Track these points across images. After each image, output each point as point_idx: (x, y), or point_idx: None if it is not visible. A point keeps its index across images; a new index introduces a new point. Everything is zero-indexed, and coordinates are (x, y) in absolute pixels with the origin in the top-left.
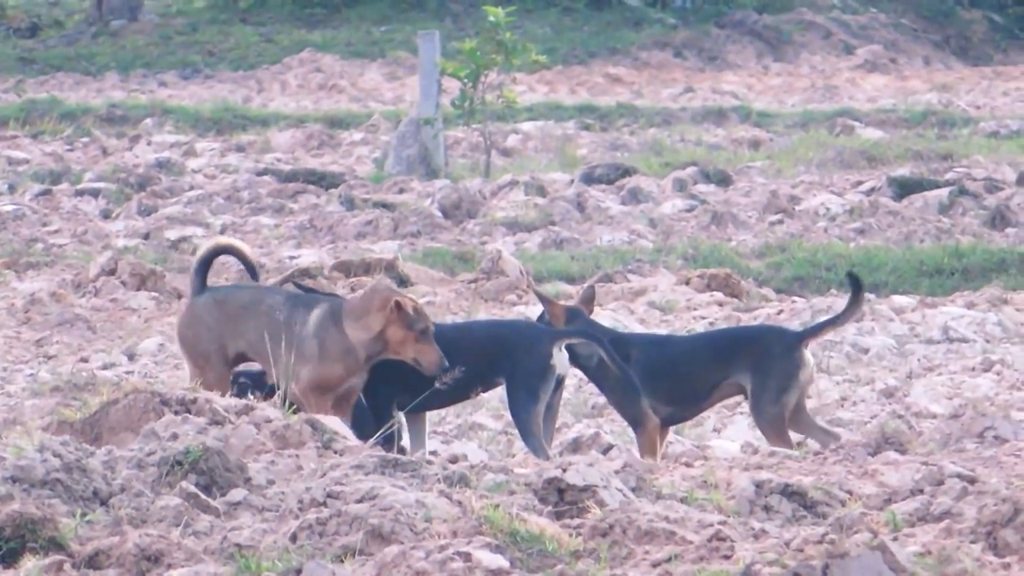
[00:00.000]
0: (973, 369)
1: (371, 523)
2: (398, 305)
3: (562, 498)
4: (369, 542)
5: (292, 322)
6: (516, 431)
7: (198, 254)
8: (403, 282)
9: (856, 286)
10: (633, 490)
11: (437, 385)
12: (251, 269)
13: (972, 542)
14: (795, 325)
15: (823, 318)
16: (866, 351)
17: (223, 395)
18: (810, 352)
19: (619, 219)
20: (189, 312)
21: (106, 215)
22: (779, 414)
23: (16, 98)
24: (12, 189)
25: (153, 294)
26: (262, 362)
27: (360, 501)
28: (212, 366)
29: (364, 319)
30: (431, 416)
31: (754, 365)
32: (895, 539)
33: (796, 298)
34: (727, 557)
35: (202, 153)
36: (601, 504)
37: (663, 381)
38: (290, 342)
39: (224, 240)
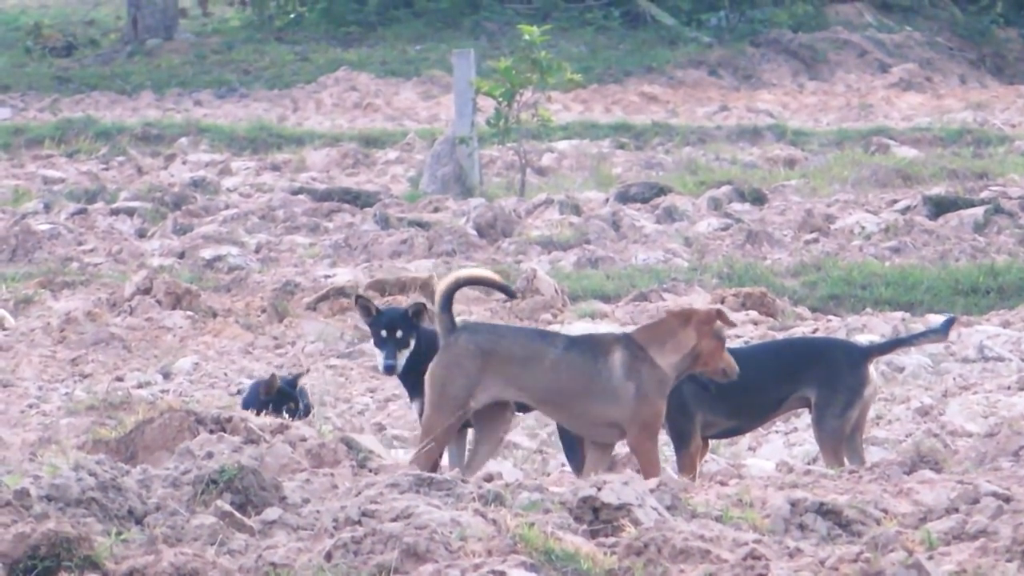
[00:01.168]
0: (1008, 388)
1: (406, 542)
2: (719, 314)
3: (597, 517)
4: (404, 561)
5: (593, 372)
6: (552, 449)
7: (441, 289)
8: None
9: (948, 322)
10: (668, 508)
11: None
12: (506, 290)
13: (1008, 561)
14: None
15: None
16: (901, 369)
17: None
18: (875, 369)
19: (654, 238)
20: (448, 353)
21: (141, 234)
22: (840, 429)
23: (52, 117)
24: (48, 208)
25: (188, 313)
26: (548, 412)
27: (395, 520)
28: (451, 412)
29: (673, 341)
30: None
31: (822, 378)
32: (930, 558)
33: (831, 317)
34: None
35: (237, 172)
36: (636, 523)
37: (729, 394)
38: (594, 392)
39: (465, 273)
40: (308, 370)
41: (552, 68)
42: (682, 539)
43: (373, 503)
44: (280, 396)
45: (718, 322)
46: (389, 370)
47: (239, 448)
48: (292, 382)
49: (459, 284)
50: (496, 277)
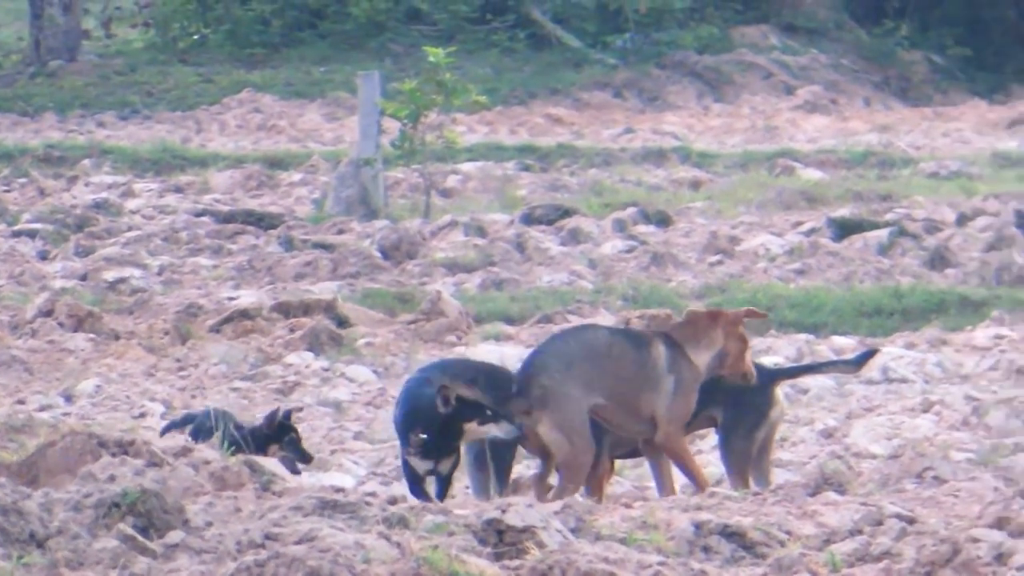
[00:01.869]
0: (912, 409)
1: (310, 565)
2: (749, 313)
3: (502, 539)
4: None
5: (640, 361)
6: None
7: None
8: (342, 323)
9: (865, 355)
10: (573, 531)
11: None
12: None
13: None
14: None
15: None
16: (806, 391)
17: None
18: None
19: (559, 260)
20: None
21: (43, 256)
22: (747, 450)
23: None
24: None
25: (90, 335)
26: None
27: (299, 543)
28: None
29: (706, 339)
30: (372, 457)
31: (729, 399)
32: None
33: None
34: None
35: (140, 194)
36: (541, 545)
37: None
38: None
39: None
40: (301, 408)
41: (457, 90)
42: (587, 561)
43: (277, 526)
44: (281, 429)
45: (741, 326)
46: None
47: (142, 471)
48: (288, 414)
49: None
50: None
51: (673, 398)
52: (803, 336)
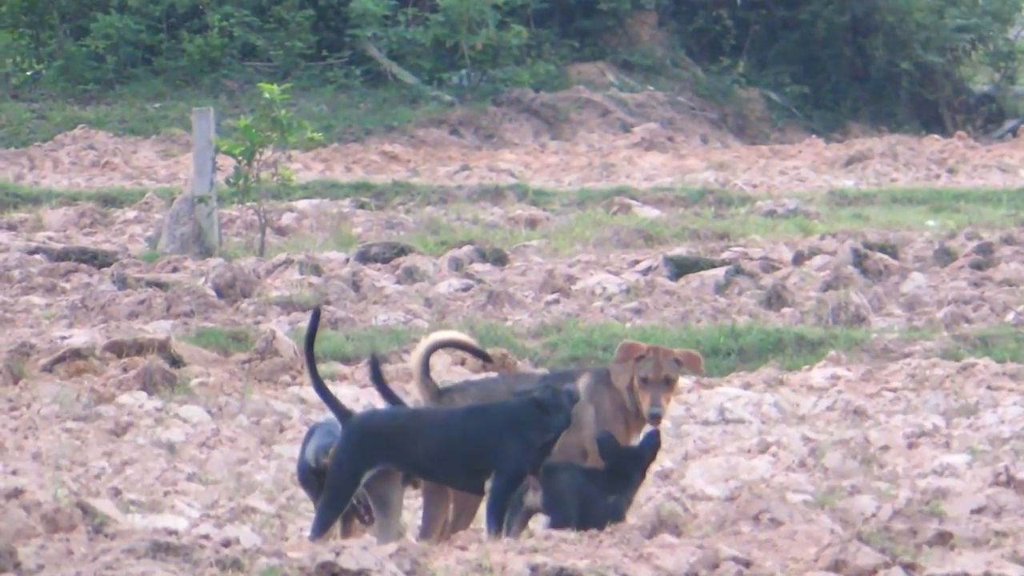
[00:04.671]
0: (749, 450)
1: None
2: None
3: None
4: None
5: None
6: (291, 513)
7: (416, 358)
8: (176, 362)
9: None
10: (407, 574)
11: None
12: (482, 356)
13: None
14: None
15: None
16: None
17: None
18: None
19: (395, 298)
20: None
21: None
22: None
23: None
24: None
25: None
26: None
27: None
28: None
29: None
30: (205, 498)
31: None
32: None
33: None
34: None
35: None
36: None
37: None
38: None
39: (438, 337)
40: None
41: (292, 127)
42: None
43: (109, 569)
44: None
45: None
46: None
47: None
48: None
49: (433, 349)
50: (471, 342)
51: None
52: None
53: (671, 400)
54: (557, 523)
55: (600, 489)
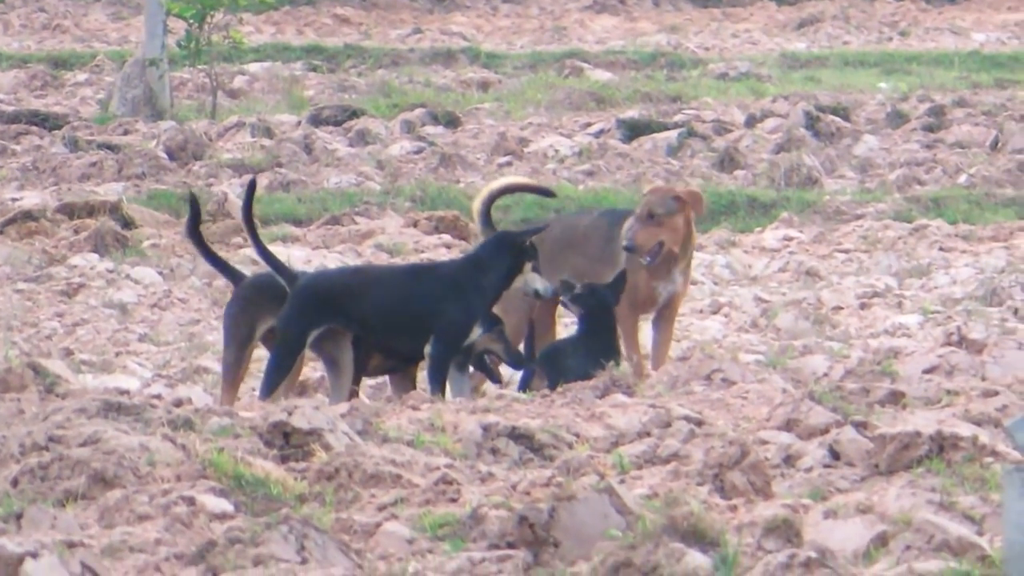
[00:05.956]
0: (701, 311)
1: (94, 467)
2: None
3: (288, 442)
4: (92, 486)
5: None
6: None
7: (477, 206)
8: (127, 224)
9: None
10: (360, 433)
11: None
12: (545, 192)
13: (699, 484)
14: None
15: None
16: None
17: None
18: None
19: (347, 161)
20: None
21: None
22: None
23: None
24: None
25: None
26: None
27: (83, 445)
28: None
29: None
30: (157, 359)
31: None
32: (622, 481)
33: None
34: (454, 500)
35: None
36: (327, 448)
37: None
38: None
39: (500, 183)
40: None
41: None
42: (373, 464)
43: (60, 428)
44: None
45: None
46: None
47: None
48: None
49: (495, 196)
50: (531, 181)
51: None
52: None
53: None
54: None
55: (589, 352)
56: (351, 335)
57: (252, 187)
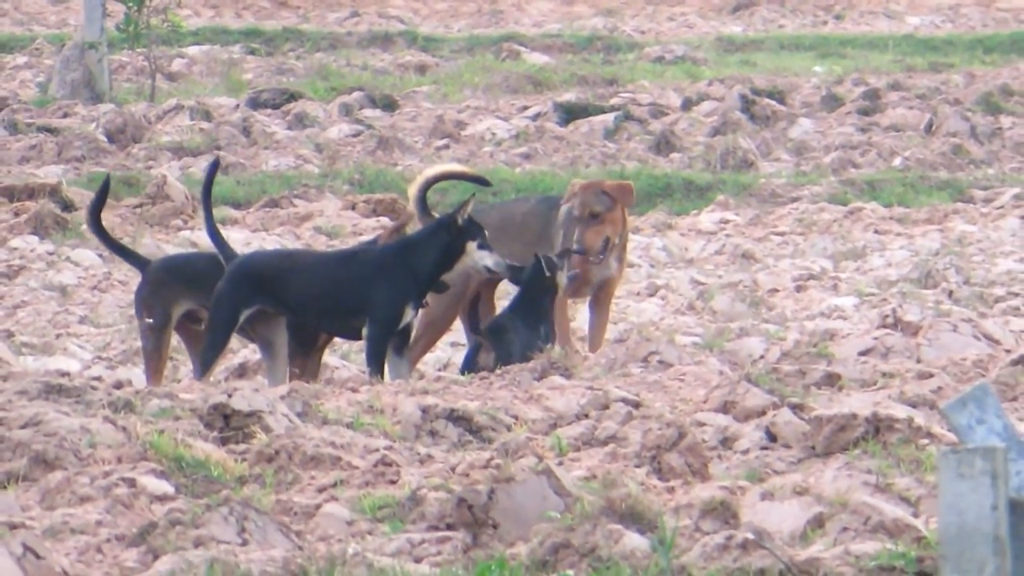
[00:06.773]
0: (638, 294)
1: (35, 449)
2: None
3: (228, 424)
4: (33, 468)
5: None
6: (182, 356)
7: (414, 191)
8: (67, 206)
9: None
10: (299, 415)
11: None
12: (480, 181)
13: (637, 466)
14: None
15: None
16: None
17: None
18: None
19: (285, 144)
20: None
21: None
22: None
23: None
24: None
25: None
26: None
27: (24, 427)
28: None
29: None
30: (97, 341)
31: None
32: (560, 463)
33: None
34: (393, 482)
35: None
36: (267, 429)
37: None
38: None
39: (435, 170)
40: None
41: None
42: (313, 445)
43: (1, 410)
44: None
45: None
46: None
47: None
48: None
49: (431, 183)
50: (467, 169)
51: None
52: None
53: (604, 234)
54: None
55: (529, 325)
56: (285, 318)
57: (215, 166)
